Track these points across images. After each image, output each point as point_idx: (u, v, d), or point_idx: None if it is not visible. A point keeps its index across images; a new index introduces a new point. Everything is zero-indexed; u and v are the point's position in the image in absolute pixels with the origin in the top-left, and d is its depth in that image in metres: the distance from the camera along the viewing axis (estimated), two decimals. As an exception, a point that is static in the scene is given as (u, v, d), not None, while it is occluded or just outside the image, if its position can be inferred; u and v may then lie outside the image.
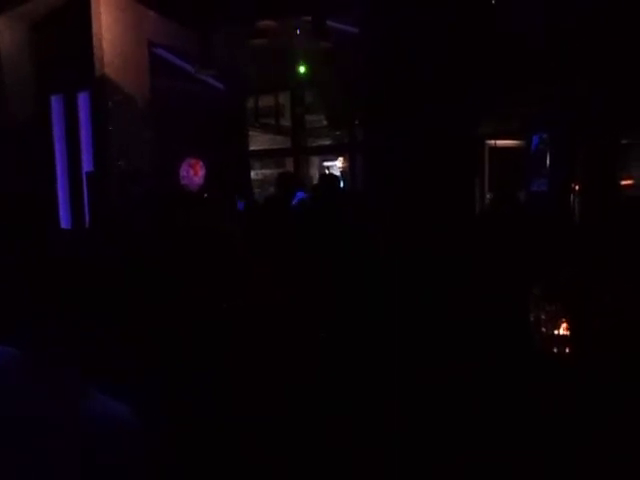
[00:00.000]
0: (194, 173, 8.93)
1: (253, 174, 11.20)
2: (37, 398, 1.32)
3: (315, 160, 11.45)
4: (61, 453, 1.28)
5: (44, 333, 1.39)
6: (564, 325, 2.56)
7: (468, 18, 5.79)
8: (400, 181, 6.09)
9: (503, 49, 5.72)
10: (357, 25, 6.57)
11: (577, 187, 5.27)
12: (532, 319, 2.65)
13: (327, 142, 10.57)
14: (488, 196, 7.19)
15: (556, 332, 2.57)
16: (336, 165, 11.24)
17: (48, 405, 1.32)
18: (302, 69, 8.02)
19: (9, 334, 1.42)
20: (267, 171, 12.09)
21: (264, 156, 11.15)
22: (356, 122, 8.41)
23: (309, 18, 6.45)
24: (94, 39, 6.74)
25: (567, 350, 2.55)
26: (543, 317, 2.60)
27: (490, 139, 7.42)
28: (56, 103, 7.55)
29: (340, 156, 10.81)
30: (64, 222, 7.35)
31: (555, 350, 2.57)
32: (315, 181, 9.43)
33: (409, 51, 5.89)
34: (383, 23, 6.09)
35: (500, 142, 7.56)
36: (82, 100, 7.31)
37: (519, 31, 5.56)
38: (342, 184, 10.06)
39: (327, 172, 11.00)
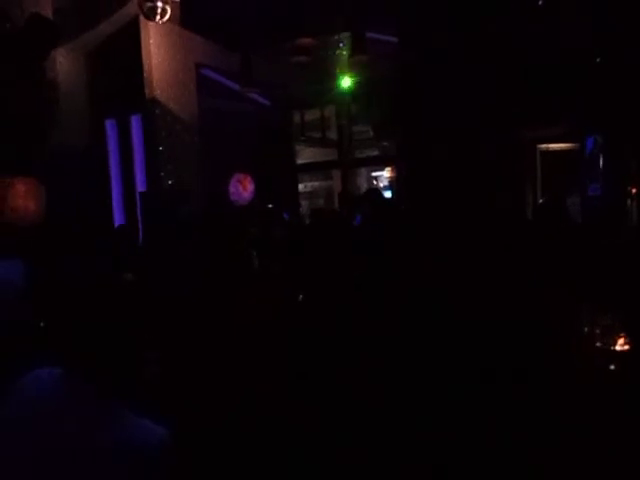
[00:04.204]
0: (243, 188, 9.14)
1: (302, 187, 11.29)
2: (78, 418, 1.36)
3: (363, 171, 11.43)
4: (97, 471, 1.31)
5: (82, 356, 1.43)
6: (621, 340, 2.43)
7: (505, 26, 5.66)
8: (432, 189, 6.01)
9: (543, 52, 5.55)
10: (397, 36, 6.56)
11: (634, 190, 5.02)
12: (585, 333, 2.52)
13: (374, 153, 10.53)
14: (540, 202, 6.95)
15: (612, 347, 2.44)
16: (384, 175, 11.18)
17: (88, 425, 1.36)
18: (346, 82, 8.05)
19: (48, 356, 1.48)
20: (315, 183, 12.17)
21: (312, 169, 11.23)
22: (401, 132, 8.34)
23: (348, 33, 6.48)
24: (144, 64, 7.01)
25: (625, 366, 2.41)
26: (597, 331, 2.47)
27: (541, 143, 7.18)
28: (110, 127, 7.88)
29: (387, 166, 10.75)
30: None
31: (612, 367, 2.43)
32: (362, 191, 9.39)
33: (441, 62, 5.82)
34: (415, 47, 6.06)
35: (552, 146, 7.30)
36: (135, 123, 7.60)
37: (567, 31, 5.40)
38: (390, 194, 10.00)
39: (375, 185, 10.96)
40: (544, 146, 7.22)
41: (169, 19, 6.48)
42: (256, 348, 2.92)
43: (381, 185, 11.22)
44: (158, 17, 6.41)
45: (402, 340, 2.85)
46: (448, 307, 2.68)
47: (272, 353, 2.93)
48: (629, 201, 5.01)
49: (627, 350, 2.41)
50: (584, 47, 5.29)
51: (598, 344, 2.46)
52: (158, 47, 7.03)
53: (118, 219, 7.80)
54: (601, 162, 5.68)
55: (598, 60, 5.20)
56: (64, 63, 7.42)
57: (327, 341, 3.00)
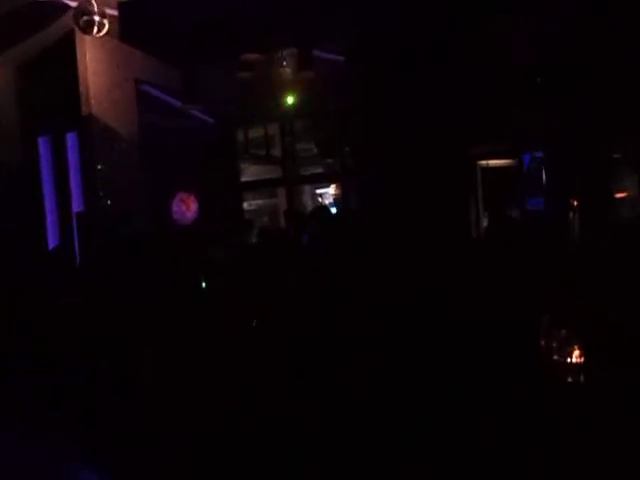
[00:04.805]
0: (186, 208, 8.92)
1: (246, 205, 11.14)
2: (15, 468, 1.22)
3: (307, 188, 11.41)
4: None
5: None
6: (577, 352, 2.46)
7: (452, 39, 5.83)
8: (380, 206, 6.07)
9: (485, 70, 5.73)
10: (343, 54, 6.61)
11: (575, 203, 5.21)
12: (542, 347, 2.54)
13: (319, 170, 10.55)
14: (484, 217, 7.12)
15: (569, 360, 2.46)
16: (328, 192, 11.21)
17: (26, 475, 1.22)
18: (290, 99, 8.02)
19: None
20: (260, 201, 12.05)
21: (256, 187, 11.12)
22: (346, 149, 8.40)
23: (294, 49, 6.47)
24: (80, 79, 6.72)
25: (582, 378, 2.44)
26: (554, 345, 2.49)
27: (481, 159, 7.38)
28: (44, 144, 7.51)
29: (332, 183, 10.78)
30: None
31: (569, 379, 2.45)
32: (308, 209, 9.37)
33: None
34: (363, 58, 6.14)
35: (492, 162, 7.51)
36: (70, 140, 7.27)
37: (506, 48, 5.59)
38: (335, 211, 10.02)
39: (320, 202, 10.98)
40: (484, 162, 7.42)
41: (107, 33, 6.28)
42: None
43: (326, 202, 11.24)
44: (95, 31, 6.20)
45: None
46: (411, 319, 2.66)
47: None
48: (571, 214, 5.20)
49: (582, 362, 2.44)
50: (524, 63, 5.49)
51: (555, 357, 2.48)
52: (95, 61, 6.76)
53: (52, 241, 7.41)
54: (543, 177, 5.88)
55: (538, 79, 5.40)
56: (-9, 77, 7.05)
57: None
